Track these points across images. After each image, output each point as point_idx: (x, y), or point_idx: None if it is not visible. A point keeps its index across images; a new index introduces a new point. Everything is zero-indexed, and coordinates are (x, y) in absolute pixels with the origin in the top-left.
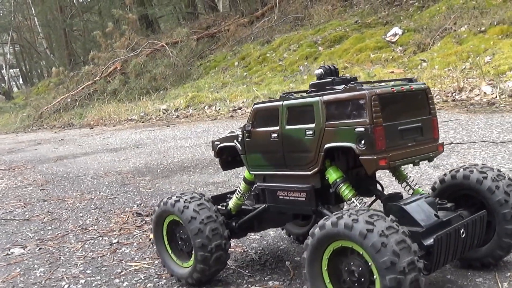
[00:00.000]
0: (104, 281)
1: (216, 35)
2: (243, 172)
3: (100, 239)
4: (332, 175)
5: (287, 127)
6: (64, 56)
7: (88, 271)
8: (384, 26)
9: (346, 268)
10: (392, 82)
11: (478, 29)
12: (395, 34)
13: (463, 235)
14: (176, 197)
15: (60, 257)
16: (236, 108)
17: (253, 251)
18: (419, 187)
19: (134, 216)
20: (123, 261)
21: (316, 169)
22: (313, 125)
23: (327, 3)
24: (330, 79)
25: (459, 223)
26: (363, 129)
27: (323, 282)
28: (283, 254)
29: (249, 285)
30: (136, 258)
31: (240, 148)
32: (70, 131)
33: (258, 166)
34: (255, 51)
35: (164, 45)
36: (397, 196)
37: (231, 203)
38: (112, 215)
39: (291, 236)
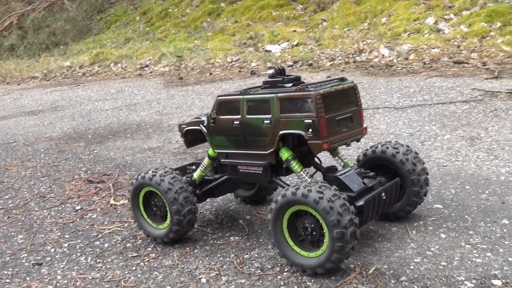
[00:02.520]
0: (85, 243)
1: None
2: (174, 138)
3: (63, 206)
4: (285, 154)
5: (248, 116)
6: None
7: (67, 236)
8: None
9: (301, 225)
10: (330, 84)
11: None
12: None
13: (384, 197)
14: (152, 172)
15: (32, 225)
16: (143, 65)
17: (208, 212)
18: (348, 160)
19: (86, 184)
20: (94, 225)
21: (272, 149)
22: (269, 116)
23: None
24: (281, 78)
25: (380, 188)
26: (310, 120)
27: (284, 236)
28: (234, 214)
29: (214, 241)
30: (105, 223)
31: (206, 131)
32: None
33: (221, 146)
34: (156, 6)
35: None
36: (333, 168)
37: (196, 175)
38: (63, 182)
39: (238, 198)
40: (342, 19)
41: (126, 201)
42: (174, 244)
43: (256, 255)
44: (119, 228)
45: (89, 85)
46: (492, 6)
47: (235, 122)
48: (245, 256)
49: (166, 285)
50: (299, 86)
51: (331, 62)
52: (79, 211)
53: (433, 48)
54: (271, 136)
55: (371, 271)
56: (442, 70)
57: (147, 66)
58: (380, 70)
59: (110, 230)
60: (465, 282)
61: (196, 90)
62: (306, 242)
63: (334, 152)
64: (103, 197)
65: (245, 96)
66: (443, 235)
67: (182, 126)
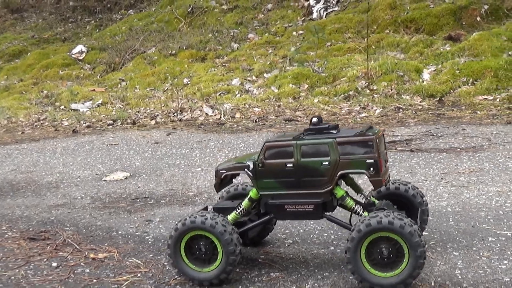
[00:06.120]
0: None
1: None
2: (75, 194)
3: (32, 264)
4: (340, 191)
5: (302, 159)
6: None
7: None
8: (63, 43)
9: (377, 250)
10: (377, 129)
11: (169, 52)
12: (81, 52)
13: (420, 224)
14: (201, 216)
15: (24, 286)
16: None
17: None
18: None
19: (30, 242)
20: (102, 279)
21: (329, 188)
22: (328, 158)
23: None
24: (327, 125)
25: (419, 216)
26: (372, 160)
27: (361, 261)
28: (244, 255)
29: (257, 278)
30: (111, 275)
31: (252, 175)
32: None
33: (268, 188)
34: None
35: None
36: (372, 203)
37: (230, 217)
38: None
39: None
40: (141, 79)
41: (107, 253)
42: (220, 285)
43: (316, 285)
44: (136, 279)
45: None
46: (296, 69)
47: (288, 165)
48: (307, 287)
49: None
50: (358, 131)
51: (154, 121)
52: (60, 267)
53: (255, 107)
54: (330, 176)
55: (432, 283)
56: (278, 127)
57: None
58: (213, 128)
59: (128, 281)
60: None
61: (30, 148)
62: (379, 265)
63: (357, 188)
64: (72, 253)
65: (299, 141)
66: (455, 253)
67: (221, 171)
